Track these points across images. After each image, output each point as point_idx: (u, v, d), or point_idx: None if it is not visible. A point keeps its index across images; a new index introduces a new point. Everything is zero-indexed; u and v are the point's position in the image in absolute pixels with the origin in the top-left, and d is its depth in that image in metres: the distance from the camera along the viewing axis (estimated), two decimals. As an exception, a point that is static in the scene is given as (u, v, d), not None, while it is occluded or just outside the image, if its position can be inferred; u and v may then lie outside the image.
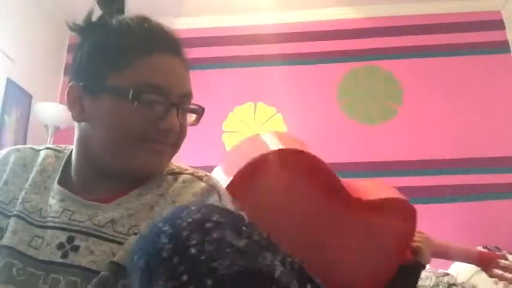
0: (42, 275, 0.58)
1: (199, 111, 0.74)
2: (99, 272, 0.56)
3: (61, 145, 0.75)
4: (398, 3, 2.90)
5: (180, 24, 3.07)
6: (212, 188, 0.66)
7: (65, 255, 0.58)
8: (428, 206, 2.43)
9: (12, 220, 0.63)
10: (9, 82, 2.54)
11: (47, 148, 0.73)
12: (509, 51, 2.75)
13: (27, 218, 0.63)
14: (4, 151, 0.72)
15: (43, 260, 0.59)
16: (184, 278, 0.42)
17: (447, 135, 2.62)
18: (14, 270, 0.58)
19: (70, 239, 0.60)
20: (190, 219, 0.45)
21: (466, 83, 2.72)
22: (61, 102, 2.88)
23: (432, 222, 2.49)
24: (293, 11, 2.98)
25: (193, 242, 0.44)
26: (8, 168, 0.68)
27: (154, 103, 0.64)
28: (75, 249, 0.59)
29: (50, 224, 0.62)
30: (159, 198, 0.64)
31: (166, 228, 0.45)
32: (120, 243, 0.59)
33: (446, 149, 2.59)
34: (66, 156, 0.71)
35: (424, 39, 2.85)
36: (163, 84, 0.65)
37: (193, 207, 0.47)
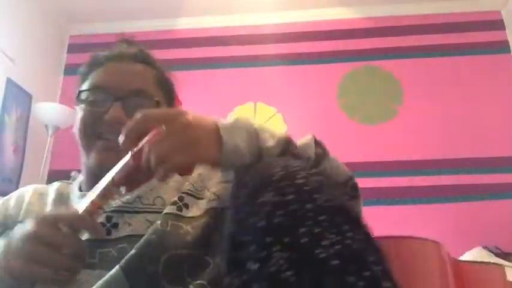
0: (88, 252, 0.63)
1: (153, 104, 0.77)
2: (141, 235, 0.64)
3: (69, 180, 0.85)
4: (398, 3, 2.90)
5: (180, 24, 3.07)
6: None
7: (108, 233, 0.67)
8: (428, 206, 2.43)
9: None
10: (9, 82, 2.55)
11: (58, 181, 0.83)
12: (509, 51, 2.75)
13: None
14: (19, 190, 0.82)
15: (92, 239, 0.63)
16: (289, 197, 0.53)
17: (447, 135, 2.62)
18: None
19: (108, 219, 0.68)
20: (299, 162, 0.59)
21: (466, 83, 2.72)
22: (61, 102, 2.88)
23: (432, 222, 2.49)
24: (293, 11, 2.98)
25: (301, 175, 0.55)
26: (27, 201, 0.76)
27: (101, 101, 0.73)
28: (115, 226, 0.68)
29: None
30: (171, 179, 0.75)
31: (279, 162, 0.58)
32: (150, 212, 0.69)
33: (446, 149, 2.59)
34: (78, 180, 0.80)
35: (424, 39, 2.85)
36: (105, 84, 0.75)
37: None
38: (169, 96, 0.82)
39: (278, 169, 0.58)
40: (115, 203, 0.70)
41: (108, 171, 0.66)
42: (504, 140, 2.56)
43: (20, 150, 2.64)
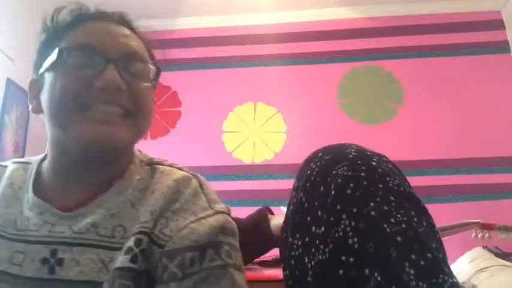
0: None
1: (153, 71, 0.65)
2: (90, 282, 0.53)
3: (29, 157, 0.71)
4: (398, 3, 2.90)
5: (180, 24, 3.07)
6: (193, 175, 0.63)
7: (51, 271, 0.55)
8: (428, 206, 2.41)
9: None
10: (9, 82, 2.55)
11: (14, 162, 0.70)
12: (509, 51, 2.75)
13: (2, 233, 0.59)
14: None
15: (31, 277, 0.55)
16: (362, 174, 0.56)
17: (447, 135, 2.62)
18: None
19: (53, 252, 0.56)
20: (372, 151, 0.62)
21: (466, 83, 2.72)
22: (61, 102, 2.89)
23: (432, 222, 2.49)
24: (293, 11, 2.98)
25: (375, 159, 0.59)
26: None
27: (88, 64, 0.59)
28: (60, 262, 0.55)
29: (31, 238, 0.58)
30: (140, 194, 0.60)
31: (354, 146, 0.62)
32: (106, 248, 0.55)
33: (447, 149, 2.59)
34: (36, 165, 0.67)
35: (424, 39, 2.85)
36: (95, 43, 0.60)
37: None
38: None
39: (353, 150, 0.61)
40: (63, 231, 0.57)
41: (102, 150, 0.57)
42: (504, 140, 2.56)
43: (20, 150, 2.64)
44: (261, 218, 0.97)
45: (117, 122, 0.59)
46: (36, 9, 2.86)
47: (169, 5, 2.95)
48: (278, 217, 0.99)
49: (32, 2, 2.80)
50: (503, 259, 1.84)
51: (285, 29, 2.98)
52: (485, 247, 1.99)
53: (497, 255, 1.91)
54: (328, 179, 0.58)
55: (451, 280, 0.50)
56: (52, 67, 0.60)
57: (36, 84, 0.65)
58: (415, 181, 2.52)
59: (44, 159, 0.67)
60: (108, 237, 0.56)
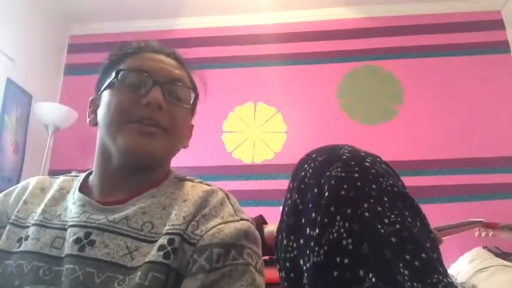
0: (63, 269, 0.61)
1: (192, 96, 0.76)
2: (115, 264, 0.60)
3: (78, 173, 0.81)
4: (398, 3, 2.90)
5: (180, 24, 3.07)
6: (219, 189, 0.71)
7: (82, 249, 0.62)
8: (429, 206, 2.42)
9: (31, 228, 0.67)
10: (9, 82, 2.55)
11: (64, 176, 0.80)
12: (509, 51, 2.75)
13: (48, 224, 0.68)
14: (26, 181, 0.79)
15: (64, 256, 0.62)
16: (355, 175, 0.56)
17: (447, 135, 2.62)
18: (41, 271, 0.62)
19: (87, 235, 0.64)
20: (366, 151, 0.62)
21: (466, 83, 2.72)
22: (61, 102, 2.89)
23: (432, 223, 2.49)
24: (293, 11, 2.98)
25: (368, 159, 0.59)
26: (28, 192, 0.74)
27: (139, 85, 0.70)
28: (92, 243, 0.62)
29: (71, 223, 0.66)
30: (171, 202, 0.68)
31: (348, 147, 0.62)
32: (134, 238, 0.63)
33: (447, 149, 2.59)
34: (83, 176, 0.77)
35: (424, 39, 2.85)
36: (145, 67, 0.71)
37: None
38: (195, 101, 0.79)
39: (346, 151, 0.62)
40: (99, 219, 0.65)
41: (140, 157, 0.67)
42: (504, 140, 2.56)
43: (20, 150, 2.64)
44: (257, 228, 0.99)
45: (155, 135, 0.69)
46: (36, 10, 2.86)
47: (169, 5, 2.95)
48: (272, 225, 1.00)
49: (32, 3, 2.80)
50: (503, 259, 1.84)
51: (285, 29, 2.98)
52: (485, 247, 1.99)
53: (497, 255, 1.91)
54: (322, 181, 0.59)
55: (445, 280, 0.50)
56: (109, 85, 0.72)
57: (95, 102, 0.76)
58: (415, 181, 2.52)
59: (90, 173, 0.77)
60: (137, 229, 0.64)
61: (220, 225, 0.62)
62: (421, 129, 2.66)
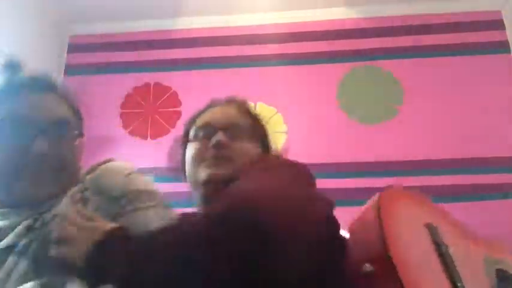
0: None
1: (76, 135, 0.82)
2: None
3: None
4: (399, 3, 2.90)
5: (180, 24, 3.07)
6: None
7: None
8: (428, 206, 2.42)
9: None
10: (9, 82, 2.54)
11: None
12: (509, 51, 2.75)
13: None
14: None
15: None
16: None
17: (447, 135, 2.62)
18: None
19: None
20: None
21: (466, 83, 2.72)
22: (61, 102, 2.88)
23: (432, 222, 2.49)
24: (293, 11, 2.98)
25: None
26: None
27: (25, 134, 0.73)
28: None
29: None
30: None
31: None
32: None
33: (447, 149, 2.59)
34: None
35: (424, 39, 2.85)
36: (24, 116, 0.75)
37: None
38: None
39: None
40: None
41: (34, 202, 0.71)
42: (504, 140, 2.56)
43: (20, 150, 2.64)
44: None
45: (46, 180, 0.75)
46: (36, 10, 2.86)
47: (169, 5, 2.94)
48: None
49: (32, 3, 2.80)
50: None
51: (285, 29, 2.98)
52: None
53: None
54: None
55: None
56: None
57: None
58: (415, 181, 2.51)
59: None
60: None
61: None
62: (421, 129, 2.66)
